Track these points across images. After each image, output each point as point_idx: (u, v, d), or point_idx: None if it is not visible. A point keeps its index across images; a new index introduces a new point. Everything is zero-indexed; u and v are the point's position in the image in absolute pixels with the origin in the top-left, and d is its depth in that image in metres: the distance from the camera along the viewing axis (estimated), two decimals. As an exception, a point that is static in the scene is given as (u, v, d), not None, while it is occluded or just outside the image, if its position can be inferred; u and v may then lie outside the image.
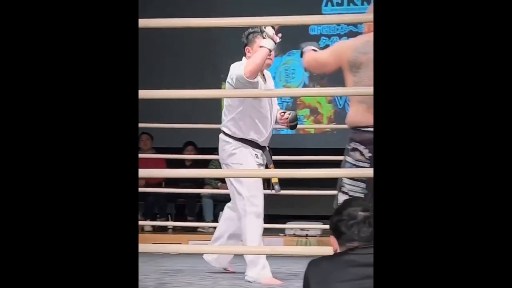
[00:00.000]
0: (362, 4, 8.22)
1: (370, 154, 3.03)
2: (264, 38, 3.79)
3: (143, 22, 2.65)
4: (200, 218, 7.24)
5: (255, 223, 3.85)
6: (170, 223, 6.95)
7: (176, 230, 6.84)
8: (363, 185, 3.07)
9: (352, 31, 8.17)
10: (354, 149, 3.09)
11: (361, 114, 3.09)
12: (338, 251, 2.03)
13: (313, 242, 5.86)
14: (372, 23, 2.76)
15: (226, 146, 4.00)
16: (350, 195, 3.08)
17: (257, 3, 8.07)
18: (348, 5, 8.25)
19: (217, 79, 7.84)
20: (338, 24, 8.00)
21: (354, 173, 3.05)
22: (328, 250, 2.21)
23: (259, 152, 3.98)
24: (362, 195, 3.07)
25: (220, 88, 8.30)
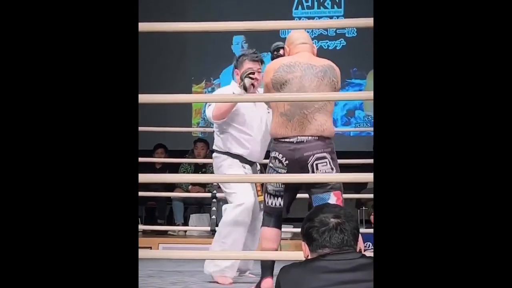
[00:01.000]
0: (332, 7, 8.26)
1: (287, 162, 3.34)
2: (242, 79, 3.85)
3: (143, 26, 2.72)
4: (171, 221, 7.20)
5: (231, 229, 3.91)
6: (140, 227, 6.89)
7: (146, 233, 6.78)
8: (282, 188, 3.41)
9: (323, 34, 8.22)
10: (274, 158, 3.38)
11: (280, 127, 3.36)
12: (309, 257, 2.03)
13: (284, 245, 5.84)
14: (290, 48, 3.48)
15: (215, 160, 4.14)
16: (274, 195, 3.42)
17: (227, 7, 8.07)
18: (319, 8, 8.29)
19: (188, 82, 7.84)
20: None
21: (354, 178, 3.16)
22: (299, 255, 2.21)
23: (246, 165, 4.05)
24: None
25: (190, 90, 8.30)
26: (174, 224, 6.99)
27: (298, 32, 3.56)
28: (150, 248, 6.12)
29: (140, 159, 7.04)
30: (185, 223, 6.98)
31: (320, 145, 3.32)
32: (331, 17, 8.16)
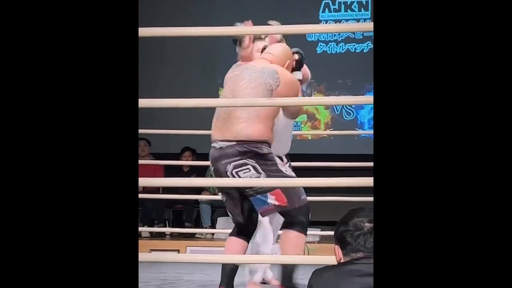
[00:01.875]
0: (359, 10, 8.26)
1: (213, 168, 3.30)
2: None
3: (143, 31, 2.68)
4: (198, 224, 7.26)
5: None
6: (167, 229, 6.97)
7: (173, 236, 6.86)
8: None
9: (350, 37, 8.22)
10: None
11: (214, 130, 3.31)
12: (342, 260, 2.03)
13: (312, 249, 5.85)
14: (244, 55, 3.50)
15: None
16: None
17: (254, 10, 8.10)
18: (346, 11, 8.29)
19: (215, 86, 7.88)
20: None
21: (353, 182, 3.04)
22: (328, 259, 2.22)
23: None
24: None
25: (218, 93, 8.35)
26: (202, 227, 7.05)
27: (276, 45, 3.53)
28: (178, 251, 6.19)
29: (168, 162, 7.07)
30: (212, 226, 7.02)
31: (237, 152, 3.19)
32: (358, 20, 8.18)
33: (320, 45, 8.19)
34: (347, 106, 8.05)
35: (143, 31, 2.66)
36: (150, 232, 7.05)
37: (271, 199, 3.18)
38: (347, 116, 8.11)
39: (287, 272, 3.33)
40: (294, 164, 5.13)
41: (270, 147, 3.24)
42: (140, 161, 6.34)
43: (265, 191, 3.17)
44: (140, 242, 6.02)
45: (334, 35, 8.14)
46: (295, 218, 3.26)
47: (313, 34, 8.16)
